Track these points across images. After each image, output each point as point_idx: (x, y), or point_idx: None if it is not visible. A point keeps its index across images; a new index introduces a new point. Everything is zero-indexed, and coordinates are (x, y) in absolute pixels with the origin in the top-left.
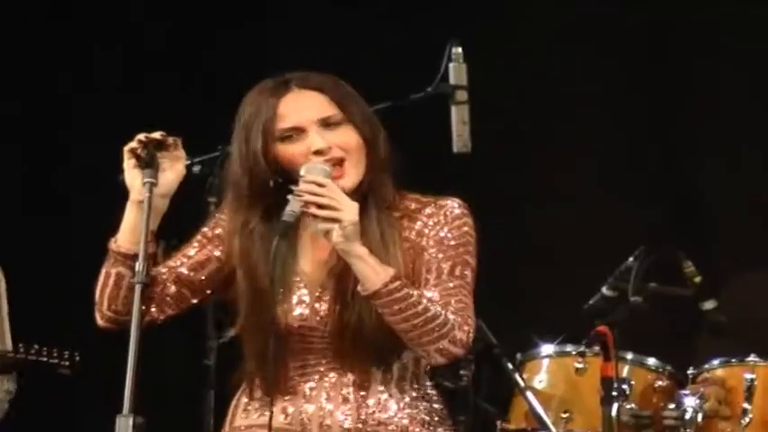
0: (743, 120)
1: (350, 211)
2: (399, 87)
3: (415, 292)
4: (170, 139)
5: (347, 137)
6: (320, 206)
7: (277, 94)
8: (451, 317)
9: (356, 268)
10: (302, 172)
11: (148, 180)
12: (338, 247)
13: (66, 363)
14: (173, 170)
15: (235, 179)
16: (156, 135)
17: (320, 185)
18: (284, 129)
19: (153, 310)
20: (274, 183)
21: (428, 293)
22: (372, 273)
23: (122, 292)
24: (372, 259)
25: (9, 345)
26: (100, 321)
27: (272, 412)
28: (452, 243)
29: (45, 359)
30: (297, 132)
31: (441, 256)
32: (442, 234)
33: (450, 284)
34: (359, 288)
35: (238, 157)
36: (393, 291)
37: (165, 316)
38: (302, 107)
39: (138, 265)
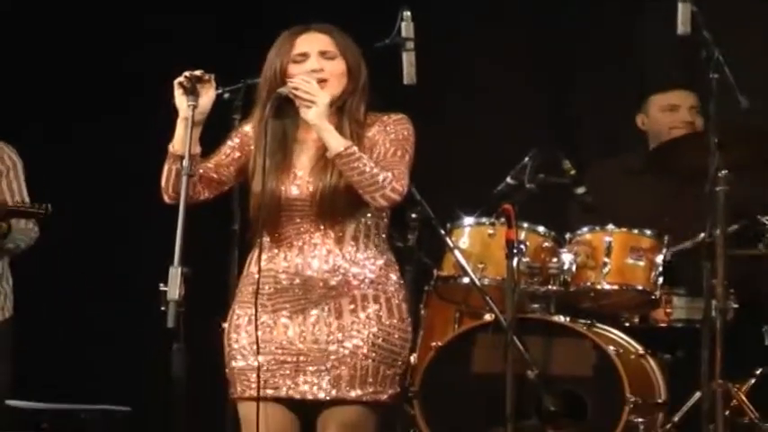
0: (607, 49)
1: (323, 97)
2: (368, 39)
3: (365, 156)
4: (206, 75)
5: (336, 67)
6: (304, 92)
7: (299, 32)
8: (390, 175)
9: (325, 137)
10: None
11: (191, 103)
12: (312, 122)
13: (42, 211)
14: (208, 96)
15: (260, 88)
16: (197, 72)
17: (306, 81)
18: (296, 54)
19: (206, 192)
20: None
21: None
22: (335, 140)
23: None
24: (336, 132)
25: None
26: (167, 200)
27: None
28: (398, 137)
29: (24, 209)
30: (303, 57)
31: (387, 144)
32: (389, 129)
33: (392, 159)
34: (327, 154)
35: (264, 73)
36: (351, 153)
37: (213, 195)
38: (311, 41)
39: (185, 162)
